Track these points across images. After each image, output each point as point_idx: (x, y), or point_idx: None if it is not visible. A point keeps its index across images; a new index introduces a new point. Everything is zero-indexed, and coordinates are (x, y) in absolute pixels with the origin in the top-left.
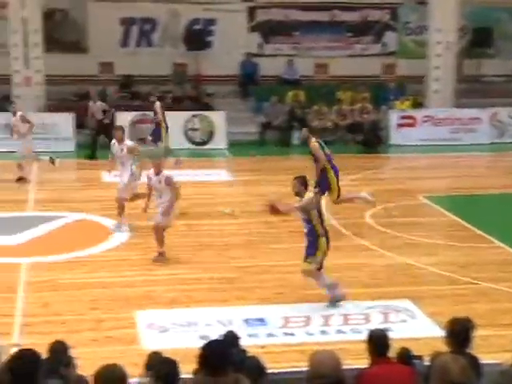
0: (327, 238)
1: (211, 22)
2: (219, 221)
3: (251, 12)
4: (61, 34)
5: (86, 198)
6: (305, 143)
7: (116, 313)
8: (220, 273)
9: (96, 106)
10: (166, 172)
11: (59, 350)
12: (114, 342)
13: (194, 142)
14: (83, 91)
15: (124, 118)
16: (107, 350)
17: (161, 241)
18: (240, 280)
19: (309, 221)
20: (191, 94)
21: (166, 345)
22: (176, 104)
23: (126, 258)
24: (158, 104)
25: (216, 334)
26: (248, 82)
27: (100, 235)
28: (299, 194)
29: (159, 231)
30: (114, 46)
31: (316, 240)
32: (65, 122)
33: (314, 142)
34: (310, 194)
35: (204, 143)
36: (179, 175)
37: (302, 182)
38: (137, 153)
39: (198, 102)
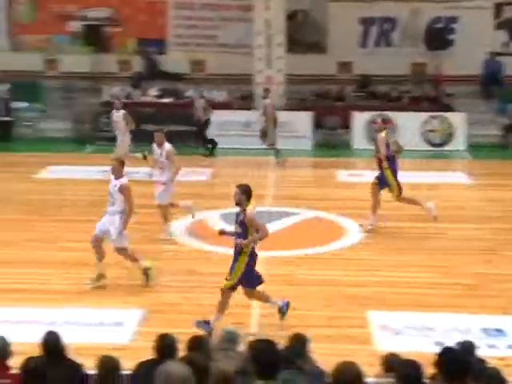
0: (252, 258)
1: (453, 19)
2: (455, 225)
3: (498, 8)
4: (302, 34)
5: (321, 195)
6: None
7: (349, 311)
8: (457, 278)
9: (198, 103)
10: (124, 179)
11: (300, 341)
12: (347, 340)
13: (431, 144)
14: (322, 90)
15: (361, 118)
16: (339, 347)
17: (134, 259)
18: (479, 287)
19: (245, 237)
20: (430, 95)
21: (400, 347)
22: (413, 104)
23: (360, 258)
24: (268, 101)
25: (452, 341)
26: (491, 82)
27: (334, 233)
28: (240, 204)
29: (122, 253)
30: (352, 45)
31: (239, 256)
32: (303, 120)
33: (382, 135)
34: (251, 210)
35: (442, 145)
36: (414, 177)
37: (244, 191)
38: (174, 157)
39: (437, 103)
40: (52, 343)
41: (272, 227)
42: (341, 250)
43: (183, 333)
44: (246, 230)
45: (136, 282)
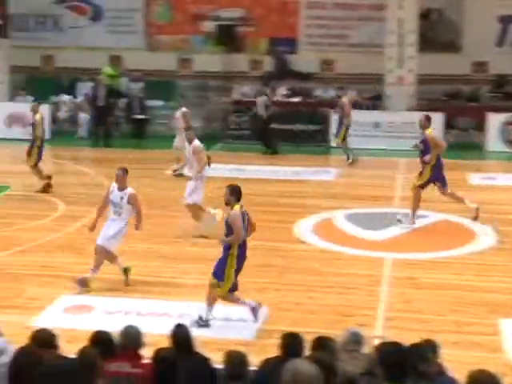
0: (239, 259)
1: None
2: None
3: None
4: (435, 33)
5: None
6: None
7: (479, 317)
8: None
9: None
10: (130, 189)
11: (429, 346)
12: (477, 347)
13: None
14: (453, 91)
15: (495, 119)
16: (469, 354)
17: (99, 263)
18: None
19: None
20: None
21: None
22: None
23: (491, 263)
24: (344, 101)
25: None
26: None
27: (464, 237)
28: (228, 204)
29: (102, 254)
30: (489, 44)
31: (226, 258)
32: (434, 121)
33: (430, 131)
34: (236, 212)
35: None
36: None
37: (232, 192)
38: (201, 155)
39: None
40: (181, 336)
41: (399, 229)
42: (471, 255)
43: (306, 332)
44: (231, 231)
45: (260, 279)
